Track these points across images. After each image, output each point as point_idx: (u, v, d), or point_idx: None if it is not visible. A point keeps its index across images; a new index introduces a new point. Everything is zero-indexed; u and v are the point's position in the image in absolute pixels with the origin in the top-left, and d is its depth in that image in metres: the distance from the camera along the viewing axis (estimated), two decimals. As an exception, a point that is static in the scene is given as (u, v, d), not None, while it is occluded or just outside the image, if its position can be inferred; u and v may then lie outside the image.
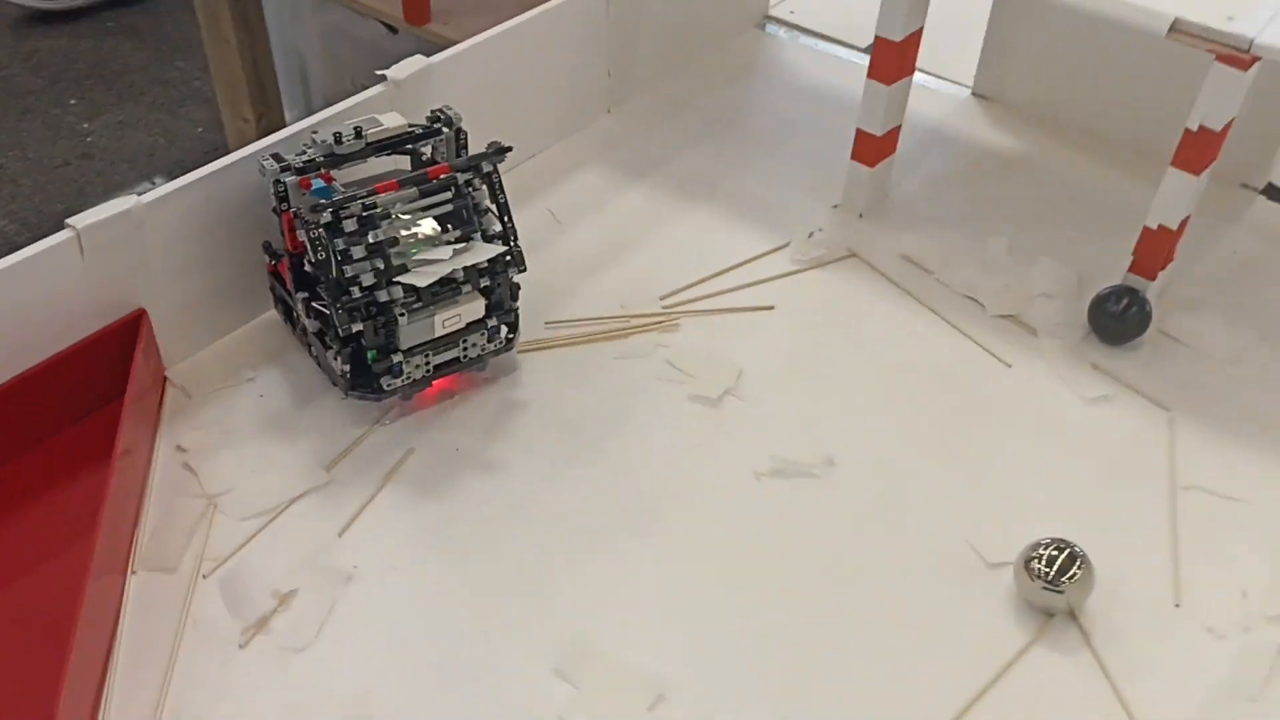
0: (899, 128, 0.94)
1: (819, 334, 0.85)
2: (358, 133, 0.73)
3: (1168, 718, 0.62)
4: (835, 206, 0.97)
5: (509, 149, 0.75)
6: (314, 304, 0.73)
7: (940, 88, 1.13)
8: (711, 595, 0.67)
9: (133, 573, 0.66)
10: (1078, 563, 0.65)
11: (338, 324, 0.69)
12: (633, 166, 1.00)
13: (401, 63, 0.85)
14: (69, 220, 0.69)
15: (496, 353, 0.77)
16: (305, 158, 0.72)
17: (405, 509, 0.71)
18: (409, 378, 0.73)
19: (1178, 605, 0.68)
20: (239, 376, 0.78)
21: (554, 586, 0.67)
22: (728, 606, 0.67)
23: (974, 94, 1.12)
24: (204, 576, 0.66)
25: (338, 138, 0.72)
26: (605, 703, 0.61)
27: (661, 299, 0.87)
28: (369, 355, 0.71)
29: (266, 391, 0.78)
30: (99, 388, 0.72)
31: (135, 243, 0.72)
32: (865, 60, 0.89)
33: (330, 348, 0.73)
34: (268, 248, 0.77)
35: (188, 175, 0.74)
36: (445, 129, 0.76)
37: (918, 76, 0.93)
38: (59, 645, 0.56)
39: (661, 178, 0.99)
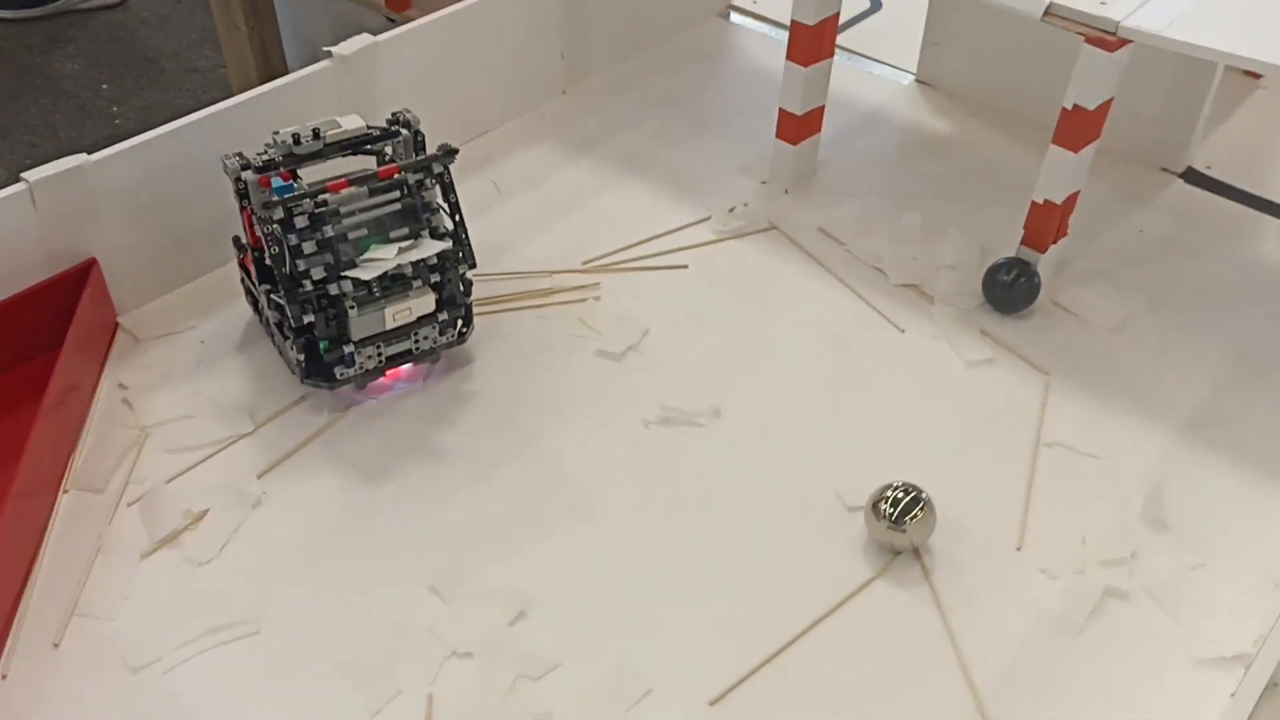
0: (822, 108, 0.99)
1: (725, 296, 0.90)
2: (316, 134, 0.76)
3: (992, 645, 0.67)
4: (764, 183, 1.02)
5: (456, 151, 0.78)
6: (273, 296, 0.77)
7: (886, 74, 1.18)
8: (583, 527, 0.73)
9: (65, 492, 0.73)
10: (920, 505, 0.70)
11: (290, 316, 0.74)
12: (579, 143, 1.06)
13: (347, 40, 0.92)
14: (23, 174, 0.77)
15: (449, 345, 0.80)
16: (266, 157, 0.75)
17: (322, 460, 0.77)
18: (361, 368, 0.77)
19: (1019, 548, 0.72)
20: (184, 325, 0.85)
21: (438, 515, 0.73)
22: (597, 537, 0.72)
23: (917, 80, 1.17)
24: (128, 505, 0.73)
25: (296, 138, 0.76)
26: (471, 616, 0.67)
27: (584, 262, 0.93)
28: (321, 345, 0.75)
29: (208, 339, 0.85)
30: (51, 330, 0.80)
31: (86, 198, 0.80)
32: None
33: (288, 338, 0.77)
34: (236, 242, 0.81)
35: (139, 136, 0.81)
36: (404, 130, 0.79)
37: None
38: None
39: (604, 154, 1.05)
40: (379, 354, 0.77)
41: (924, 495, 0.71)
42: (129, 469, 0.75)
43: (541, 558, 0.71)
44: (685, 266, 0.93)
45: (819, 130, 1.01)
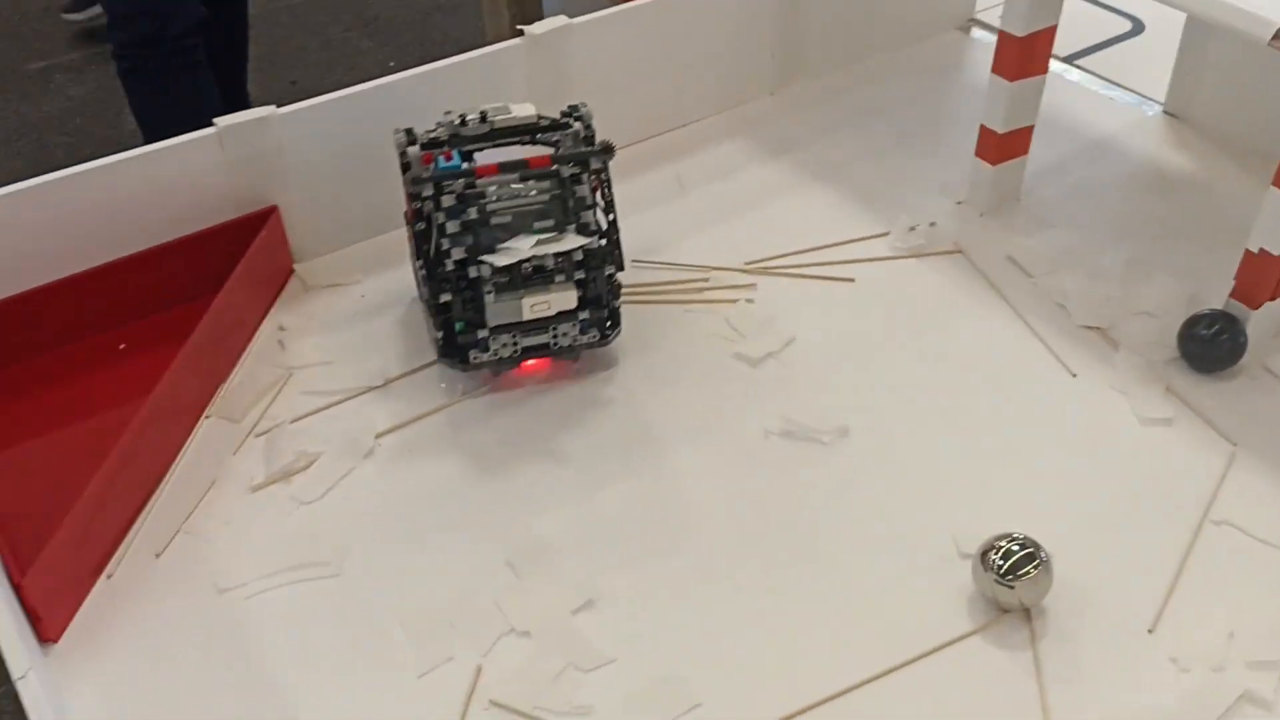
0: (1030, 129, 0.92)
1: (884, 315, 0.85)
2: (483, 117, 0.76)
3: (1089, 733, 0.59)
4: (959, 203, 0.95)
5: (613, 149, 0.76)
6: (420, 271, 0.79)
7: (1130, 102, 1.08)
8: (671, 528, 0.70)
9: (206, 417, 0.78)
10: (1035, 562, 0.63)
11: (429, 293, 0.75)
12: (774, 146, 1.03)
13: (542, 20, 0.93)
14: (215, 119, 0.82)
15: (590, 346, 0.78)
16: (433, 135, 0.76)
17: (440, 434, 0.77)
18: (495, 354, 0.76)
19: (1150, 630, 0.63)
20: (350, 279, 0.89)
21: (533, 497, 0.72)
22: (683, 540, 0.69)
23: (1165, 111, 1.06)
24: (255, 437, 0.77)
25: (463, 120, 0.76)
26: (537, 597, 0.66)
27: (746, 262, 0.90)
28: (457, 326, 0.75)
29: (368, 295, 0.88)
30: (230, 268, 0.85)
31: (272, 148, 0.84)
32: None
33: (430, 313, 0.77)
34: (407, 217, 0.82)
35: (326, 95, 0.86)
36: (575, 123, 0.78)
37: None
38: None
39: (798, 159, 1.02)
40: (515, 344, 0.76)
41: (1043, 554, 0.63)
42: (266, 405, 0.79)
43: (621, 552, 0.69)
44: (851, 280, 0.88)
45: (1025, 152, 0.93)
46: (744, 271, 0.89)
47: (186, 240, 0.84)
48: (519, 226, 0.74)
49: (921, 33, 1.18)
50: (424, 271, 0.77)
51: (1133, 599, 0.65)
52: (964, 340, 0.83)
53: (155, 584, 0.67)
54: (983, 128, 0.91)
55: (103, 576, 0.68)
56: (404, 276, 0.89)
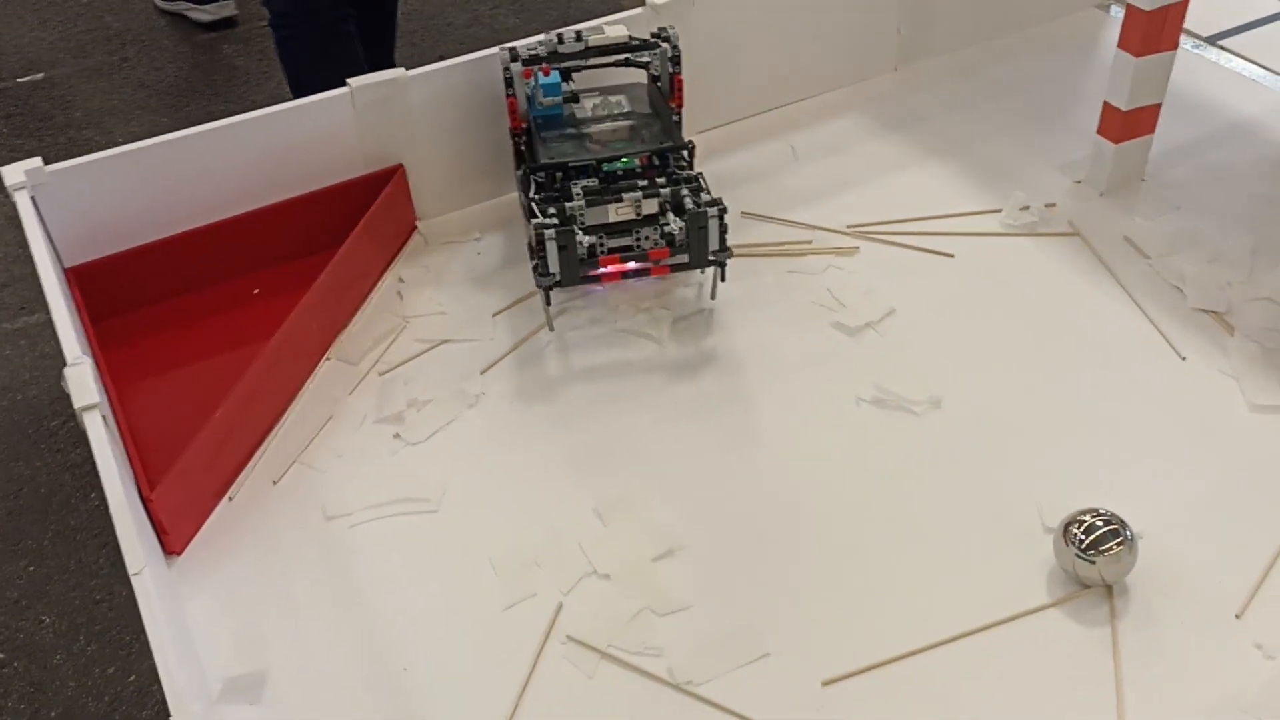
0: (1157, 107, 0.89)
1: (989, 293, 0.84)
2: (578, 36, 0.84)
3: (1164, 711, 0.58)
4: (1078, 182, 0.93)
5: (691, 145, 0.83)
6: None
7: (1274, 84, 1.03)
8: (759, 487, 0.71)
9: (327, 359, 0.83)
10: (1120, 540, 0.62)
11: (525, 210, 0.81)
12: (894, 121, 1.03)
13: (668, -10, 0.95)
14: (349, 79, 0.87)
15: (680, 264, 0.79)
16: (533, 52, 0.84)
17: (538, 384, 0.81)
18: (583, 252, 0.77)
19: (1238, 616, 0.62)
20: (468, 236, 0.93)
21: (624, 448, 0.75)
22: (769, 499, 0.71)
23: (1312, 94, 1.02)
24: (380, 374, 0.81)
25: (560, 38, 0.83)
26: (621, 543, 0.68)
27: (849, 225, 0.90)
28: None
29: (484, 253, 0.92)
30: (358, 222, 0.89)
31: (401, 107, 0.89)
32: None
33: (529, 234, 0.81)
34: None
35: (451, 60, 0.89)
36: (663, 44, 0.85)
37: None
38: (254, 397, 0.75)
39: (917, 134, 1.01)
40: (601, 244, 0.78)
41: (1128, 532, 0.62)
42: (382, 350, 0.83)
43: (707, 506, 0.70)
44: (951, 255, 0.87)
45: (1150, 131, 0.90)
46: (846, 234, 0.89)
47: (319, 194, 0.89)
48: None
49: (1058, 9, 1.15)
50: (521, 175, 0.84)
51: (1224, 585, 0.64)
52: (1069, 319, 0.82)
53: (271, 509, 0.72)
54: (1106, 104, 0.89)
55: (224, 499, 0.73)
56: (518, 237, 0.92)
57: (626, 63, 0.86)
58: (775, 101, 1.05)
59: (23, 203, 0.78)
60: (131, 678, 1.23)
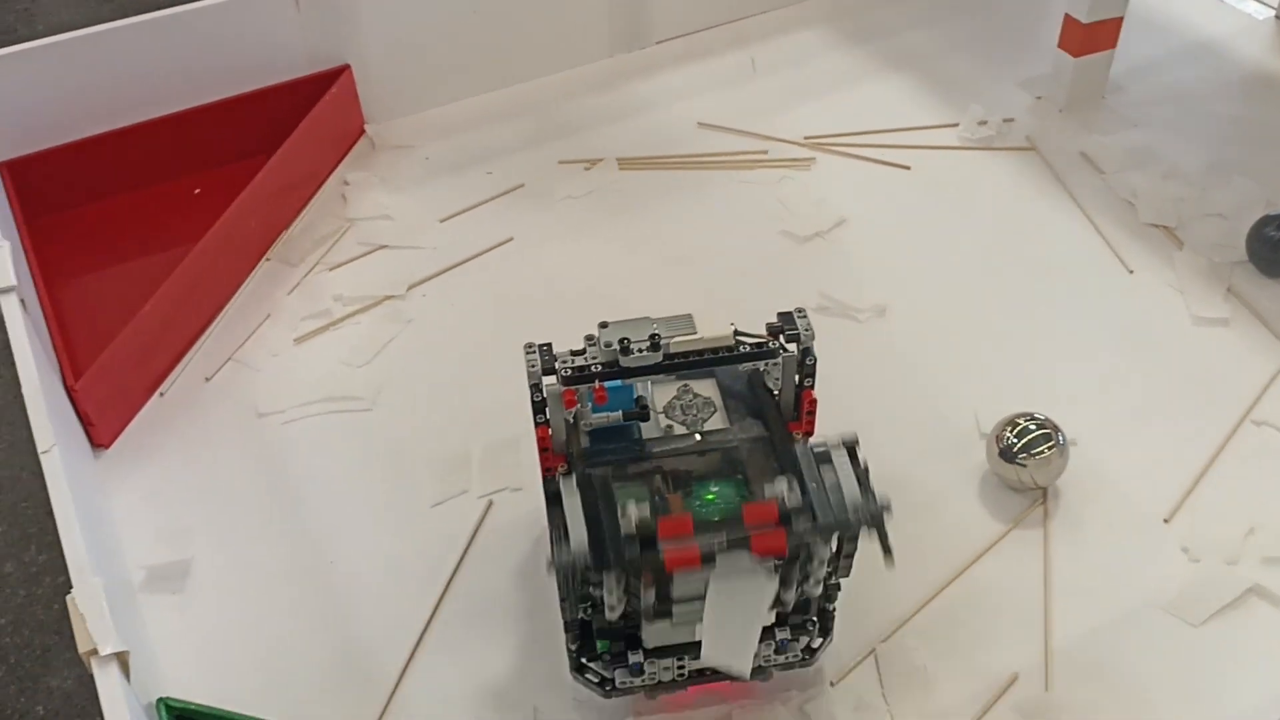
0: (1118, 21, 0.88)
1: (941, 206, 0.83)
2: (654, 343, 0.53)
3: (1090, 607, 0.58)
4: (1039, 98, 0.92)
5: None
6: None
7: (1245, 8, 1.02)
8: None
9: (267, 259, 0.81)
10: (1050, 443, 0.62)
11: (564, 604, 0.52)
12: (855, 35, 1.01)
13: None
14: (290, -26, 0.85)
15: (787, 666, 0.54)
16: (579, 361, 0.53)
17: (474, 287, 0.79)
18: (652, 678, 0.54)
19: (1166, 520, 0.62)
20: (417, 142, 0.91)
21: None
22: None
23: (1277, 17, 1.00)
24: (320, 274, 0.80)
25: (624, 345, 0.53)
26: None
27: (805, 137, 0.89)
28: (599, 645, 0.53)
29: (433, 158, 0.90)
30: (297, 123, 0.87)
31: (347, 5, 0.86)
32: None
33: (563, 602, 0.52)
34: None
35: (400, -44, 0.87)
36: (787, 347, 0.54)
37: None
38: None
39: (877, 48, 0.99)
40: (680, 667, 0.54)
41: (1061, 436, 0.62)
42: (323, 252, 0.82)
43: (645, 408, 0.70)
44: (908, 168, 0.86)
45: (1111, 45, 0.89)
46: (803, 145, 0.88)
47: (262, 92, 0.87)
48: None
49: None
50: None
51: (1156, 490, 0.63)
52: (1021, 232, 0.81)
53: (203, 405, 0.71)
54: (1067, 17, 0.88)
55: (155, 394, 0.72)
56: (467, 143, 0.90)
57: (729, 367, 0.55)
58: (738, 14, 1.03)
59: (-50, 91, 0.76)
60: (82, 589, 1.23)
